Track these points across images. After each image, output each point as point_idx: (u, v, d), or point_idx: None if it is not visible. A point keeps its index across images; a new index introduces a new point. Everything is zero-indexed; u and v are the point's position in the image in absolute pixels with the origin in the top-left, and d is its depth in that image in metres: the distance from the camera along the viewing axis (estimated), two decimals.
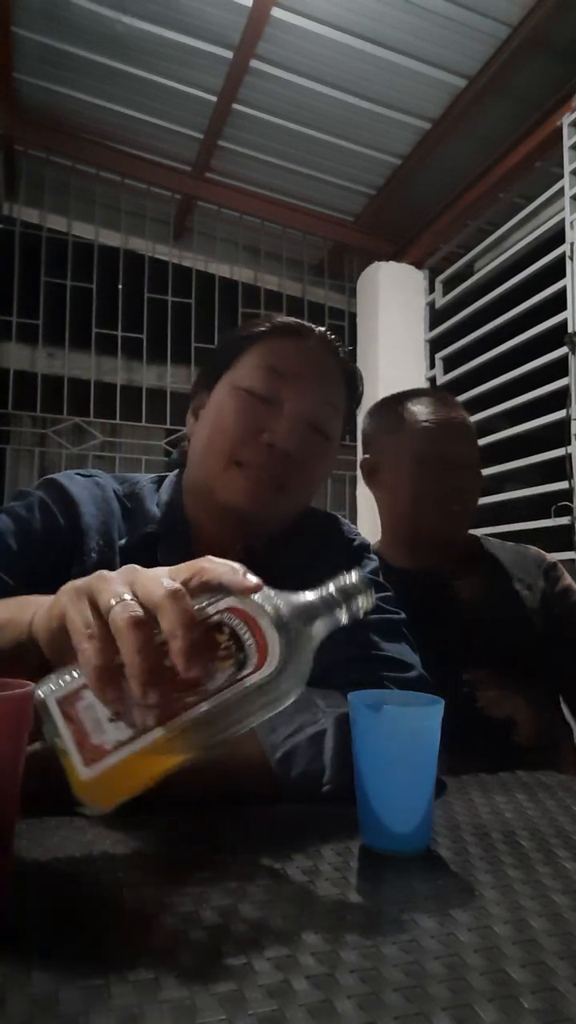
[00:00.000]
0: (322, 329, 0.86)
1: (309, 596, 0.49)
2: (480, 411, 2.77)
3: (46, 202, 3.11)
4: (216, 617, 0.46)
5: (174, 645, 0.43)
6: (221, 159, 3.06)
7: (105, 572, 0.48)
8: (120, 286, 3.17)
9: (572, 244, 2.34)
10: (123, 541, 0.80)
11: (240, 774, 0.60)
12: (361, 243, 3.42)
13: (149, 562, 0.54)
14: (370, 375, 3.30)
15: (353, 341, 3.47)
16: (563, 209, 2.41)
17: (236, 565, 0.47)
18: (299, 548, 0.86)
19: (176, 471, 0.91)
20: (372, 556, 0.92)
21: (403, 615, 0.85)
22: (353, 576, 0.50)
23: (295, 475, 0.80)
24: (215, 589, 0.46)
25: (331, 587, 0.49)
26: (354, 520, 3.30)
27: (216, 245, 3.35)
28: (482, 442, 2.72)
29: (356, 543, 0.92)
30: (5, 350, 3.03)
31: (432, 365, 3.20)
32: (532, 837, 0.55)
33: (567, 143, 2.40)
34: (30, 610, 0.53)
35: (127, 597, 0.44)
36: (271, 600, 0.46)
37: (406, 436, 1.21)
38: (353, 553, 0.90)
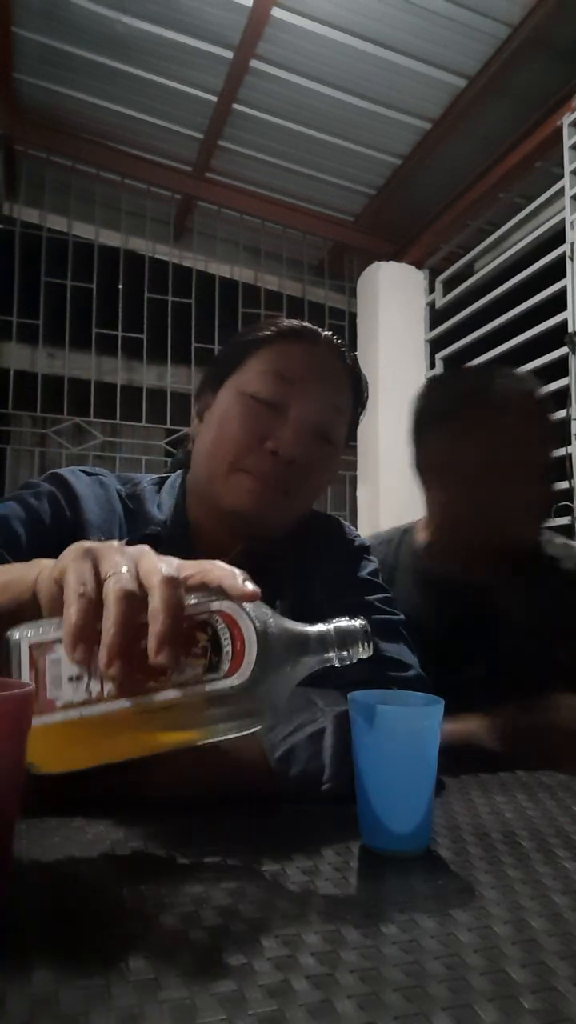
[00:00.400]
0: (328, 333, 0.86)
1: (306, 628, 0.49)
2: None
3: (46, 202, 3.11)
4: (203, 616, 0.46)
5: (152, 627, 0.43)
6: (221, 159, 3.06)
7: (116, 543, 0.48)
8: (120, 286, 3.17)
9: (572, 244, 2.34)
10: (123, 541, 0.80)
11: (240, 773, 0.60)
12: (361, 243, 3.43)
13: None
14: (370, 375, 3.29)
15: (353, 341, 3.47)
16: (563, 209, 2.41)
17: (240, 573, 0.47)
18: (300, 550, 0.86)
19: (179, 472, 0.90)
20: (372, 558, 0.92)
21: (401, 616, 0.85)
22: (357, 622, 0.49)
23: (299, 481, 0.80)
24: (213, 590, 0.46)
25: (332, 627, 0.49)
26: (354, 520, 3.30)
27: (216, 245, 3.35)
28: None
29: (356, 544, 0.92)
30: (5, 350, 3.03)
31: (432, 365, 3.20)
32: (532, 837, 0.55)
33: (567, 143, 2.40)
34: (36, 569, 0.53)
35: (126, 571, 0.45)
36: (264, 616, 0.46)
37: (483, 423, 1.01)
38: (353, 554, 0.90)
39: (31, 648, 0.44)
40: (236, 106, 2.73)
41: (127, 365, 3.19)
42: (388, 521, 3.14)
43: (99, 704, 0.44)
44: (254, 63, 2.51)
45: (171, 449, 3.18)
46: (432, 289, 3.28)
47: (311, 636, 0.48)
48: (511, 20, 2.27)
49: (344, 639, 0.48)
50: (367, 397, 0.92)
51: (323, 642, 0.48)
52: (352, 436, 0.92)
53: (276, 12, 2.30)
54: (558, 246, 2.42)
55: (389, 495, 3.12)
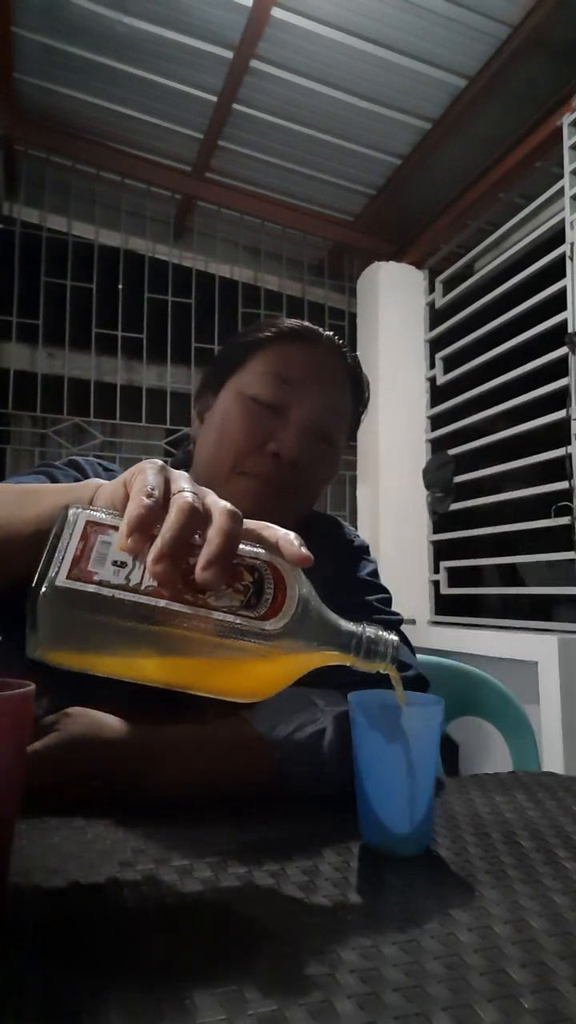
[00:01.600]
0: (329, 334, 0.86)
1: (339, 621, 0.48)
2: (480, 411, 2.77)
3: (46, 202, 3.11)
4: (254, 561, 0.46)
5: (207, 549, 0.42)
6: (221, 159, 3.06)
7: (187, 474, 0.48)
8: (120, 286, 3.17)
9: (572, 244, 2.34)
10: None
11: (240, 773, 0.60)
12: (361, 243, 3.43)
13: None
14: (370, 375, 3.28)
15: (353, 341, 3.47)
16: (563, 209, 2.41)
17: (297, 537, 0.47)
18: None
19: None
20: (372, 559, 0.92)
21: (401, 616, 0.85)
22: (391, 636, 0.49)
23: (300, 483, 0.80)
24: (270, 546, 0.47)
25: (363, 632, 0.48)
26: (354, 520, 3.30)
27: (216, 245, 3.35)
28: (482, 442, 2.74)
29: (356, 544, 0.92)
30: (5, 350, 3.03)
31: (432, 365, 3.20)
32: (532, 837, 0.55)
33: (567, 143, 2.40)
34: (94, 484, 0.53)
35: (194, 492, 0.45)
36: (309, 591, 0.47)
37: None
38: (353, 554, 0.90)
39: (87, 523, 0.44)
40: (236, 106, 2.73)
41: (127, 365, 3.19)
42: (388, 521, 3.14)
43: (131, 594, 0.43)
44: (254, 63, 2.51)
45: (171, 449, 3.18)
46: (432, 289, 3.28)
47: (341, 631, 0.48)
48: (511, 20, 2.27)
49: (371, 647, 0.48)
50: (368, 397, 0.92)
51: (349, 641, 0.48)
52: (353, 436, 0.92)
53: (276, 12, 2.30)
54: (558, 246, 2.41)
55: (389, 495, 3.12)
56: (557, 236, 2.47)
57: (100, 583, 0.43)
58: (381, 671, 0.49)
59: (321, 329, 0.86)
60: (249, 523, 0.47)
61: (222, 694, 0.47)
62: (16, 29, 2.46)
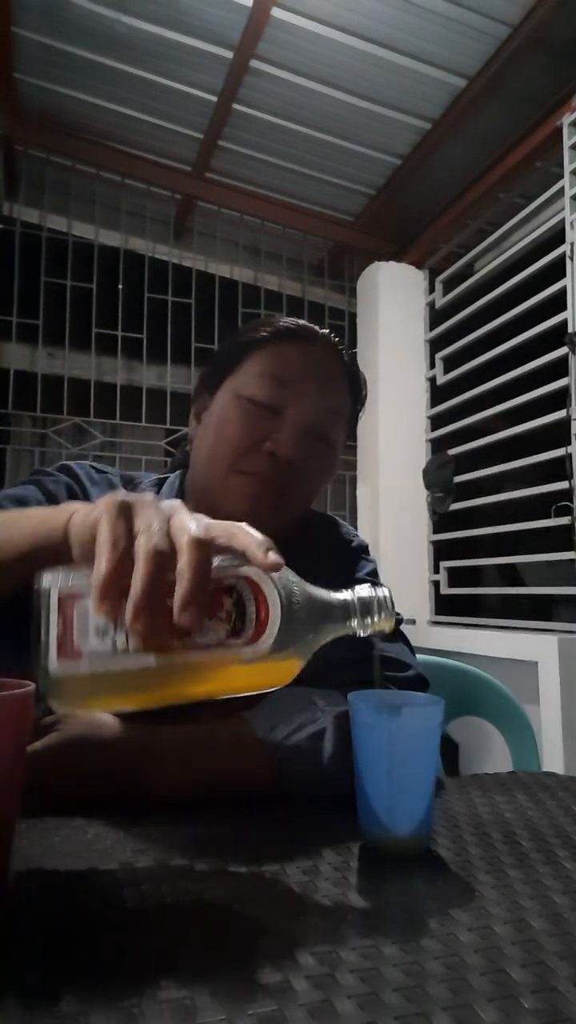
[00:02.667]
0: (325, 332, 0.85)
1: (329, 596, 0.49)
2: (480, 411, 2.77)
3: (46, 202, 3.11)
4: (230, 581, 0.46)
5: (178, 587, 0.43)
6: (221, 159, 3.06)
7: (150, 496, 0.48)
8: (120, 286, 3.17)
9: (572, 244, 2.34)
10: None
11: (239, 774, 0.60)
12: (361, 243, 3.42)
13: None
14: (370, 375, 3.29)
15: (353, 341, 3.47)
16: (563, 209, 2.41)
17: (266, 539, 0.47)
18: (298, 550, 0.86)
19: (178, 472, 0.90)
20: (371, 558, 0.92)
21: (400, 616, 0.85)
22: (379, 591, 0.49)
23: (297, 483, 0.80)
24: (240, 555, 0.47)
25: (355, 596, 0.49)
26: (354, 520, 3.30)
27: (216, 245, 3.35)
28: (482, 442, 2.74)
29: (354, 544, 0.92)
30: (5, 350, 3.03)
31: (432, 365, 3.20)
32: (532, 837, 0.55)
33: (567, 143, 2.40)
34: (68, 511, 0.54)
35: (159, 528, 0.45)
36: (288, 583, 0.47)
37: None
38: (352, 554, 0.90)
39: (60, 597, 0.45)
40: (236, 106, 2.73)
41: (127, 365, 3.19)
42: (388, 521, 3.14)
43: (125, 658, 0.44)
44: (254, 63, 2.51)
45: (171, 449, 3.18)
46: (432, 289, 3.28)
47: (334, 605, 0.49)
48: (511, 20, 2.27)
49: (366, 608, 0.49)
50: (366, 396, 0.91)
51: (346, 611, 0.49)
52: (352, 435, 0.92)
53: (276, 12, 2.30)
54: (558, 246, 2.41)
55: (389, 495, 3.12)
56: (557, 236, 2.47)
57: (91, 657, 0.44)
58: (386, 629, 0.49)
59: (317, 328, 0.85)
60: (217, 530, 0.47)
61: (243, 692, 0.49)
62: (16, 29, 2.46)
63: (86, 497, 0.80)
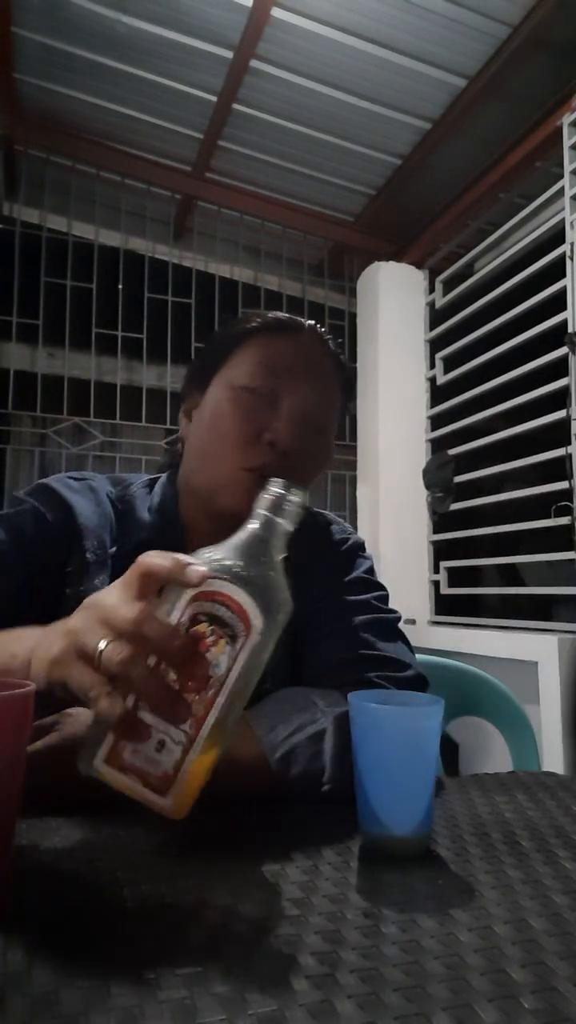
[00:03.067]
0: (311, 323, 0.86)
1: (246, 530, 0.51)
2: (480, 411, 2.77)
3: (46, 202, 3.11)
4: (187, 615, 0.47)
5: (167, 662, 0.45)
6: (221, 159, 3.06)
7: (72, 623, 0.49)
8: (120, 286, 3.17)
9: (572, 244, 2.34)
10: (114, 549, 0.80)
11: (240, 774, 0.60)
12: (361, 243, 3.42)
13: None
14: (370, 375, 3.30)
15: (353, 341, 3.47)
16: (563, 209, 2.41)
17: (175, 557, 0.48)
18: (292, 547, 0.85)
19: (169, 473, 0.89)
20: (367, 555, 0.92)
21: (398, 614, 0.84)
22: (272, 485, 0.52)
23: (295, 473, 0.79)
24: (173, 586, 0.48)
25: (258, 508, 0.52)
26: (354, 520, 3.30)
27: (216, 245, 3.35)
28: (482, 442, 2.74)
29: (350, 542, 0.91)
30: (5, 350, 3.03)
31: (432, 365, 3.20)
32: (532, 837, 0.55)
33: (567, 143, 2.40)
34: (20, 646, 0.54)
35: (104, 645, 0.46)
36: (221, 566, 0.48)
37: None
38: (348, 552, 0.89)
39: (107, 760, 0.47)
40: (236, 106, 2.73)
41: (127, 365, 3.19)
42: (388, 521, 3.14)
43: (196, 742, 0.47)
44: (254, 63, 2.51)
45: (171, 449, 3.18)
46: (432, 289, 3.28)
47: (257, 531, 0.51)
48: (511, 20, 2.27)
49: (277, 506, 0.51)
50: (355, 384, 0.91)
51: (267, 525, 0.51)
52: (344, 429, 0.92)
53: (276, 12, 2.30)
54: (558, 246, 2.41)
55: (389, 495, 3.12)
56: (557, 236, 2.47)
57: (175, 767, 0.47)
58: (298, 504, 0.52)
59: (303, 319, 0.86)
60: (133, 584, 0.48)
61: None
62: (16, 29, 2.46)
63: (67, 510, 0.79)
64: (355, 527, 3.26)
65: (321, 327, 0.86)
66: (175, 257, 3.35)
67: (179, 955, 0.35)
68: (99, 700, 0.45)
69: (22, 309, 3.02)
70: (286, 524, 0.51)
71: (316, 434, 0.81)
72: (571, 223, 2.35)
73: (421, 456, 3.18)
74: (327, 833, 0.54)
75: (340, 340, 0.90)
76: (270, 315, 0.85)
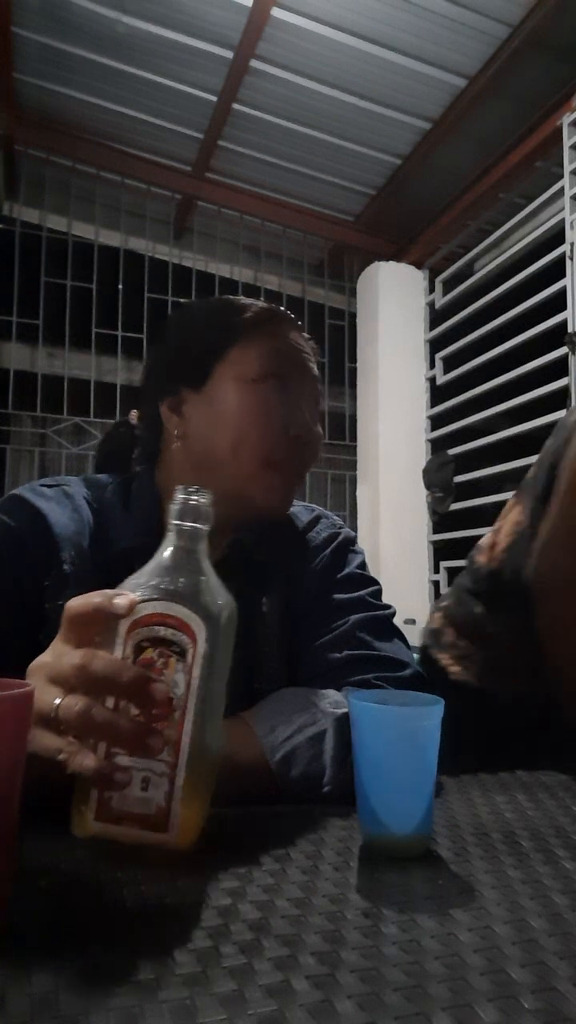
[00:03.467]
0: (284, 310, 0.85)
1: (165, 545, 0.50)
2: (480, 411, 2.77)
3: (46, 202, 3.11)
4: (130, 646, 0.47)
5: (125, 699, 0.45)
6: (221, 159, 3.06)
7: (27, 682, 0.47)
8: (120, 286, 3.17)
9: (572, 244, 2.34)
10: (97, 558, 0.76)
11: (240, 775, 0.60)
12: (361, 243, 3.43)
13: (126, 577, 0.53)
14: (370, 375, 3.30)
15: (353, 341, 3.47)
16: (563, 209, 2.41)
17: (100, 594, 0.47)
18: (285, 543, 0.84)
19: (143, 470, 0.84)
20: (358, 549, 0.89)
21: (393, 609, 0.83)
22: (177, 493, 0.51)
23: (312, 461, 0.80)
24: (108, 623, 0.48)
25: (171, 519, 0.51)
26: (354, 520, 3.30)
27: (216, 245, 3.35)
28: (482, 442, 2.74)
29: (342, 536, 0.88)
30: (5, 350, 3.03)
31: (432, 365, 3.20)
32: (532, 837, 0.55)
33: (567, 143, 2.40)
34: None
35: (58, 702, 0.46)
36: (148, 587, 0.47)
37: None
38: (340, 548, 0.86)
39: (98, 817, 0.47)
40: (236, 106, 2.73)
41: (127, 365, 3.19)
42: (388, 521, 3.14)
43: (179, 768, 0.47)
44: (254, 63, 2.51)
45: None
46: (432, 289, 3.28)
47: (175, 544, 0.50)
48: (511, 20, 2.27)
49: (184, 514, 0.50)
50: (322, 367, 0.89)
51: (182, 534, 0.50)
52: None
53: (276, 12, 2.30)
54: (558, 246, 2.41)
55: (389, 495, 3.12)
56: (557, 236, 2.47)
57: (167, 800, 0.47)
58: (202, 506, 0.51)
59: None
60: (72, 631, 0.48)
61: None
62: (16, 29, 2.46)
63: (40, 519, 0.75)
64: (355, 527, 3.26)
65: (290, 313, 0.86)
66: (175, 257, 3.35)
67: (179, 955, 0.35)
68: (71, 760, 0.45)
69: (22, 309, 3.02)
70: (202, 527, 0.51)
71: (321, 422, 0.82)
72: (571, 223, 2.35)
73: (421, 456, 3.18)
74: (327, 833, 0.54)
75: (312, 335, 0.88)
76: (262, 305, 0.83)
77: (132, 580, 0.48)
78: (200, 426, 0.78)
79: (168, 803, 0.46)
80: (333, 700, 0.65)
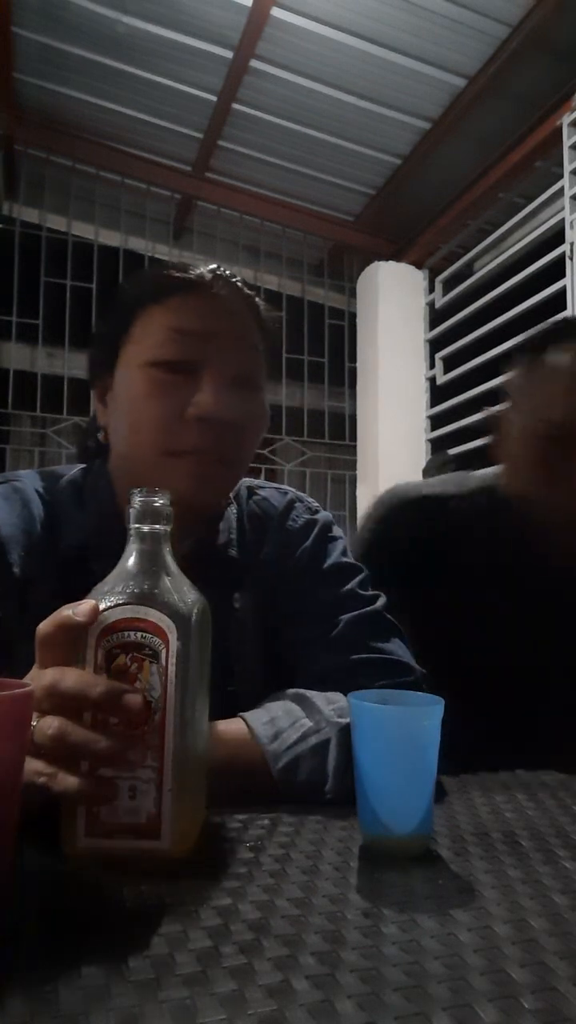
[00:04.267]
0: (213, 266, 0.74)
1: (126, 549, 0.49)
2: (480, 411, 2.77)
3: (46, 202, 3.11)
4: (101, 656, 0.46)
5: (102, 710, 0.44)
6: (221, 159, 3.06)
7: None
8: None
9: (572, 244, 2.34)
10: (49, 554, 0.72)
11: (240, 777, 0.60)
12: (361, 243, 3.43)
13: (83, 574, 0.52)
14: (370, 375, 3.30)
15: (353, 341, 3.47)
16: (563, 209, 2.41)
17: (61, 609, 0.46)
18: (256, 535, 0.80)
19: (97, 463, 0.79)
20: (338, 534, 0.84)
21: (383, 598, 0.79)
22: (135, 495, 0.50)
23: (235, 442, 0.71)
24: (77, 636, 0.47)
25: (131, 524, 0.50)
26: (354, 520, 3.30)
27: (216, 245, 3.35)
28: (483, 442, 2.74)
29: (319, 525, 0.83)
30: (5, 350, 3.03)
31: (432, 365, 3.20)
32: (532, 837, 0.55)
33: (567, 143, 2.40)
34: None
35: (34, 723, 0.45)
36: (113, 594, 0.47)
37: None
38: (319, 537, 0.82)
39: (88, 833, 0.46)
40: (236, 106, 2.73)
41: None
42: None
43: (166, 775, 0.46)
44: (254, 63, 2.51)
45: None
46: (432, 289, 3.28)
47: (139, 549, 0.49)
48: (511, 20, 2.27)
49: (142, 515, 0.49)
50: (274, 320, 0.78)
51: (141, 537, 0.49)
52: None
53: (276, 12, 2.30)
54: (558, 246, 2.42)
55: None
56: (557, 236, 2.47)
57: (157, 807, 0.46)
58: (159, 505, 0.50)
59: (205, 265, 0.74)
60: (46, 650, 0.46)
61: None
62: (16, 29, 2.46)
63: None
64: (355, 527, 3.25)
65: (225, 269, 0.74)
66: (175, 257, 3.35)
67: (179, 955, 0.35)
68: (51, 782, 0.44)
69: (22, 309, 3.02)
70: (161, 527, 0.50)
71: (249, 393, 0.72)
72: (571, 223, 2.35)
73: (421, 456, 3.18)
74: (327, 833, 0.54)
75: (240, 278, 0.76)
76: (167, 271, 0.73)
77: (97, 588, 0.48)
78: (112, 415, 0.74)
79: (159, 809, 0.45)
80: (338, 707, 0.65)
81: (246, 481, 0.84)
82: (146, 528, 0.49)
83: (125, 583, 0.47)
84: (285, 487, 0.87)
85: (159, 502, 0.50)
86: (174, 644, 0.46)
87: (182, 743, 0.46)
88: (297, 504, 0.84)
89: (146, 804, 0.45)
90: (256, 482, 0.86)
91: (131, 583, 0.47)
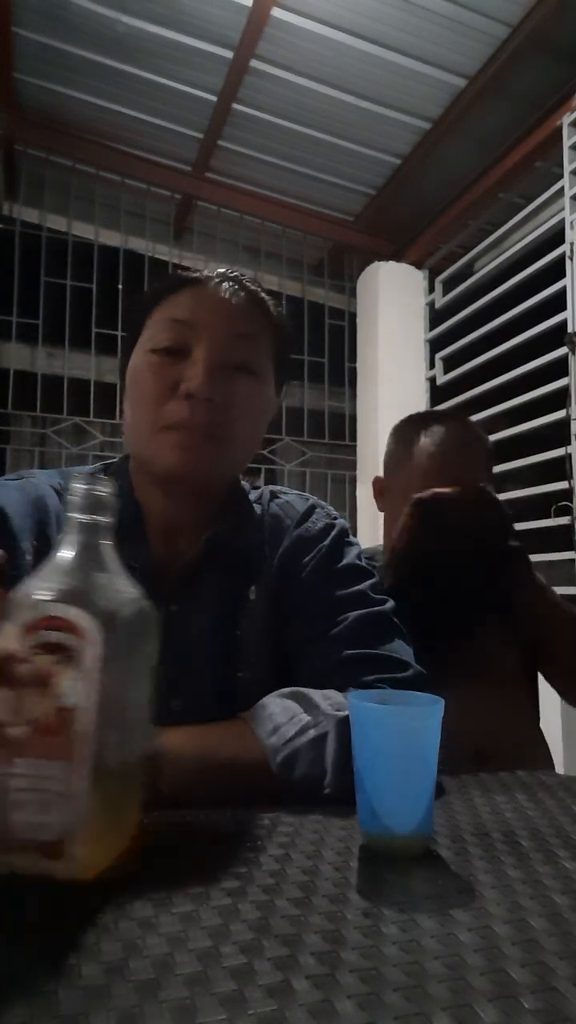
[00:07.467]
0: (222, 269, 0.82)
1: (65, 542, 0.46)
2: (480, 411, 2.77)
3: (46, 202, 3.11)
4: (21, 661, 0.42)
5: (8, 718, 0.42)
6: (221, 159, 3.06)
7: None
8: (120, 286, 3.17)
9: (572, 244, 2.34)
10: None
11: (242, 774, 0.60)
12: (361, 243, 3.43)
13: None
14: (370, 375, 3.30)
15: (353, 341, 3.47)
16: (563, 209, 2.41)
17: None
18: (272, 534, 0.83)
19: (124, 456, 0.87)
20: (353, 540, 0.87)
21: (391, 602, 0.81)
22: (75, 482, 0.47)
23: (225, 421, 0.75)
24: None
25: (69, 513, 0.47)
26: (354, 520, 3.30)
27: (216, 245, 3.35)
28: None
29: (337, 528, 0.86)
30: (5, 350, 3.03)
31: (432, 365, 3.20)
32: (532, 837, 0.55)
33: (567, 143, 2.40)
34: None
35: None
36: (39, 590, 0.43)
37: (413, 464, 1.22)
38: (335, 541, 0.84)
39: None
40: (236, 106, 2.73)
41: None
42: None
43: (78, 781, 0.42)
44: (254, 63, 2.51)
45: None
46: (432, 289, 3.28)
47: (77, 540, 0.46)
48: (511, 20, 2.27)
49: (83, 506, 0.46)
50: (280, 315, 0.84)
51: (80, 528, 0.46)
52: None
53: (276, 12, 2.30)
54: (558, 246, 2.42)
55: None
56: (557, 236, 2.47)
57: (69, 816, 0.42)
58: (103, 496, 0.47)
59: (214, 269, 0.82)
60: None
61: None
62: (16, 29, 2.46)
63: (1, 511, 0.75)
64: (355, 527, 3.26)
65: (232, 271, 0.82)
66: (175, 257, 3.35)
67: (179, 955, 0.35)
68: None
69: (22, 309, 3.02)
70: (103, 518, 0.47)
71: (243, 376, 0.77)
72: (571, 223, 2.35)
73: None
74: (327, 833, 0.54)
75: (252, 276, 0.84)
76: (175, 275, 0.83)
77: (29, 581, 0.44)
78: (124, 402, 0.83)
79: (67, 828, 0.41)
80: (335, 702, 0.65)
81: (270, 487, 0.91)
82: (84, 518, 0.46)
83: (55, 579, 0.44)
84: (307, 494, 0.92)
85: (101, 491, 0.47)
86: (98, 648, 0.42)
87: (105, 756, 0.42)
88: (317, 509, 0.89)
89: (54, 820, 0.41)
90: (280, 488, 0.92)
91: (60, 579, 0.44)
